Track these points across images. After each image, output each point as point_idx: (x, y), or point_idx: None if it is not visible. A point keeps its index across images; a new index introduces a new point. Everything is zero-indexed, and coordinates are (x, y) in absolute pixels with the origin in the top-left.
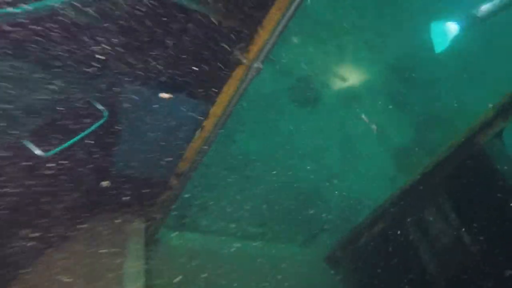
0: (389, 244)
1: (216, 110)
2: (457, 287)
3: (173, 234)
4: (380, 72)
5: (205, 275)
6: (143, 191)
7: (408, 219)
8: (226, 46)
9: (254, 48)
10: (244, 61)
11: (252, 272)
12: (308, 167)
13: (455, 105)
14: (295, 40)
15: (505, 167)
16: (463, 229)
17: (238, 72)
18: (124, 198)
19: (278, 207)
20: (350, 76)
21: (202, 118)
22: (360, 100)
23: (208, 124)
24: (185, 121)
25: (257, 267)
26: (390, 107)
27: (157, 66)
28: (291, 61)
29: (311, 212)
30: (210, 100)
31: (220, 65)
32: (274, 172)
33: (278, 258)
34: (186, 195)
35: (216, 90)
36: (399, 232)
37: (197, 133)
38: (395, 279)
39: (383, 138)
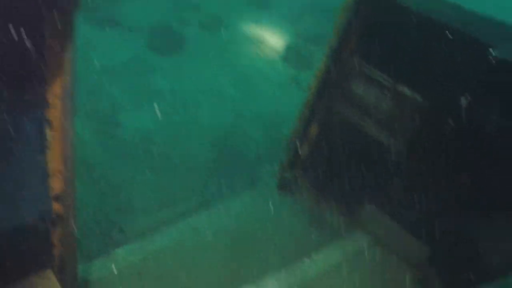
0: (334, 141)
1: (56, 91)
2: (414, 149)
3: (102, 261)
4: None
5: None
6: (28, 241)
7: (339, 105)
8: None
9: None
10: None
11: (216, 243)
12: (212, 111)
13: None
14: None
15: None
16: (399, 83)
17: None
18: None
19: (202, 166)
20: (205, 3)
21: (41, 112)
22: (227, 22)
23: (54, 115)
24: (22, 129)
25: (218, 235)
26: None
27: None
28: (136, 15)
29: (239, 152)
30: (38, 85)
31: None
32: (178, 134)
33: (232, 214)
34: (91, 210)
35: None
36: (337, 124)
37: (48, 134)
38: (356, 171)
39: (267, 48)
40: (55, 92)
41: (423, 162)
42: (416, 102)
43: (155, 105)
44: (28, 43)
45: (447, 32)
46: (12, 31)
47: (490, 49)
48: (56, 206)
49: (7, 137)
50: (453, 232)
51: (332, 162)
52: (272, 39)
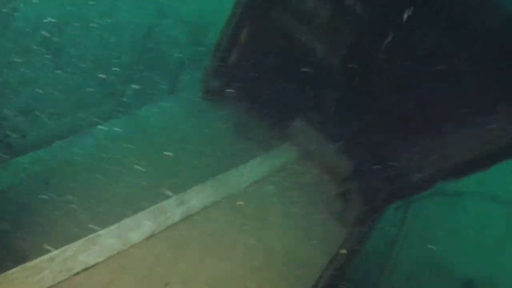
0: (266, 48)
1: None
2: (348, 62)
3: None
4: None
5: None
6: None
7: (274, 9)
8: None
9: None
10: None
11: (134, 151)
12: (131, 7)
13: None
14: None
15: None
16: None
17: None
18: None
19: (119, 68)
20: None
21: None
22: None
23: None
24: None
25: (135, 143)
26: None
27: None
28: None
29: (160, 56)
30: None
31: None
32: (92, 30)
33: (152, 120)
34: None
35: None
36: (270, 31)
37: None
38: (286, 82)
39: None
40: None
41: (355, 76)
42: (356, 12)
43: None
44: None
45: None
46: None
47: None
48: None
49: None
50: (377, 149)
51: (262, 71)
52: None
